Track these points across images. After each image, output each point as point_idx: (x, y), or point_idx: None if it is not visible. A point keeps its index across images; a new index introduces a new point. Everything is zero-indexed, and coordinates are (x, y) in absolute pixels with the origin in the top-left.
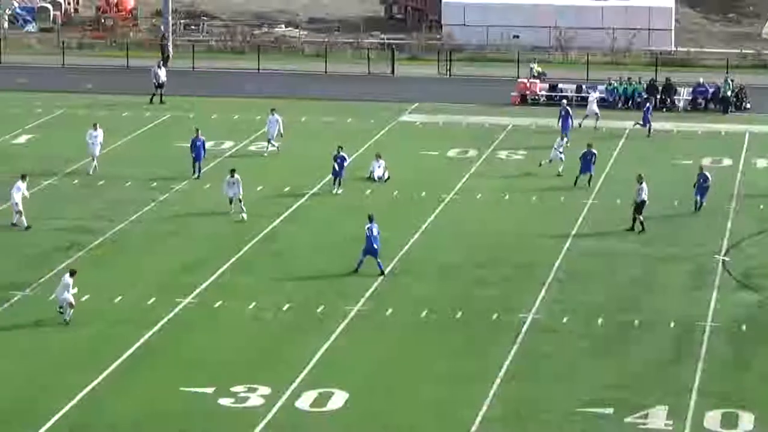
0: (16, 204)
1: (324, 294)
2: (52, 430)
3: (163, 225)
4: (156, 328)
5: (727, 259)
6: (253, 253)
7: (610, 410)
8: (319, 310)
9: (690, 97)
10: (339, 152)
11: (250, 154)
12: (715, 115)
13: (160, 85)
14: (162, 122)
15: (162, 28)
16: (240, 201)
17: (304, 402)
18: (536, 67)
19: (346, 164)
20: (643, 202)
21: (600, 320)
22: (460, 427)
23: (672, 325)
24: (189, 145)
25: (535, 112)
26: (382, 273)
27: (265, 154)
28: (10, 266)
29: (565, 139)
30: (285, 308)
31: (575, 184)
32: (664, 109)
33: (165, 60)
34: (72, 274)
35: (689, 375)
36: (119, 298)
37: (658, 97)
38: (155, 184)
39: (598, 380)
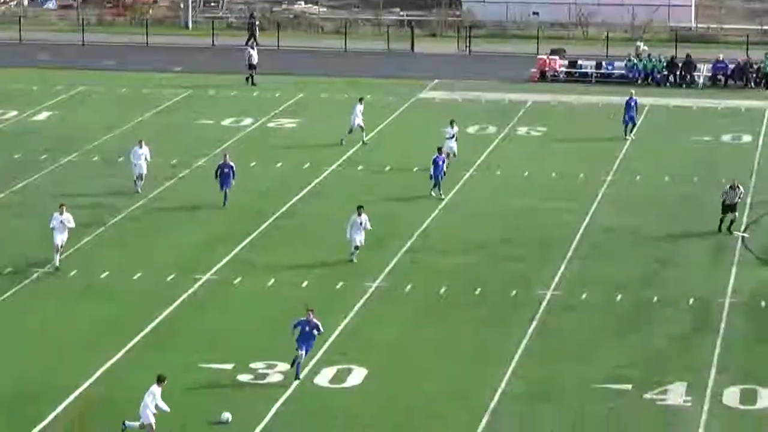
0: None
1: (343, 270)
2: (72, 405)
3: (183, 202)
4: (175, 305)
5: (746, 235)
6: (272, 230)
7: (628, 386)
8: (338, 287)
9: (710, 74)
10: (439, 154)
11: (269, 130)
12: (735, 92)
13: (252, 66)
14: (182, 99)
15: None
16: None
17: (323, 378)
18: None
19: (444, 166)
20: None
21: (619, 297)
22: (479, 404)
23: (691, 301)
24: (215, 170)
25: (554, 89)
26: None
27: (344, 142)
28: (31, 243)
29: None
30: (304, 285)
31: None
32: (684, 86)
33: (251, 40)
34: (160, 381)
35: (708, 351)
36: (138, 274)
37: (678, 73)
38: (175, 161)
39: (617, 357)
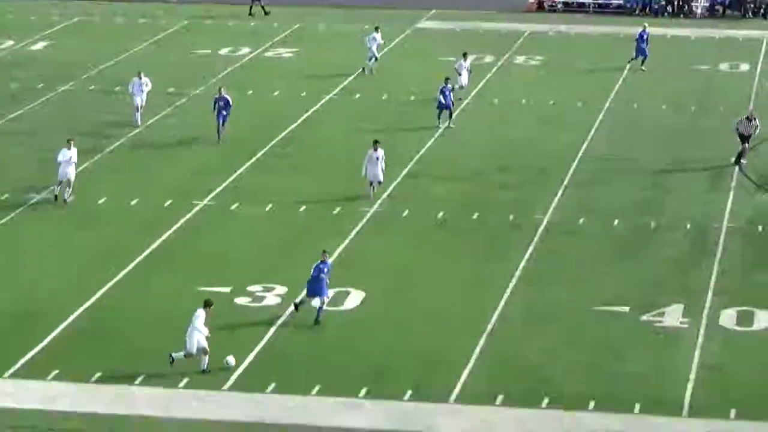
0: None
1: (340, 196)
2: (70, 328)
3: (180, 131)
4: (173, 230)
5: (743, 161)
6: (270, 156)
7: (625, 309)
8: (335, 212)
9: (707, 4)
10: (446, 84)
11: (267, 60)
12: (733, 21)
13: None
14: (179, 29)
15: None
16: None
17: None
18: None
19: (451, 96)
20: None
21: (616, 222)
22: (477, 327)
23: (688, 227)
24: (212, 104)
25: (552, 19)
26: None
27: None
28: (29, 171)
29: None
30: (301, 210)
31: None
32: (682, 16)
33: None
34: (207, 305)
35: (705, 275)
36: (136, 200)
37: (676, 3)
38: (172, 89)
39: (614, 281)
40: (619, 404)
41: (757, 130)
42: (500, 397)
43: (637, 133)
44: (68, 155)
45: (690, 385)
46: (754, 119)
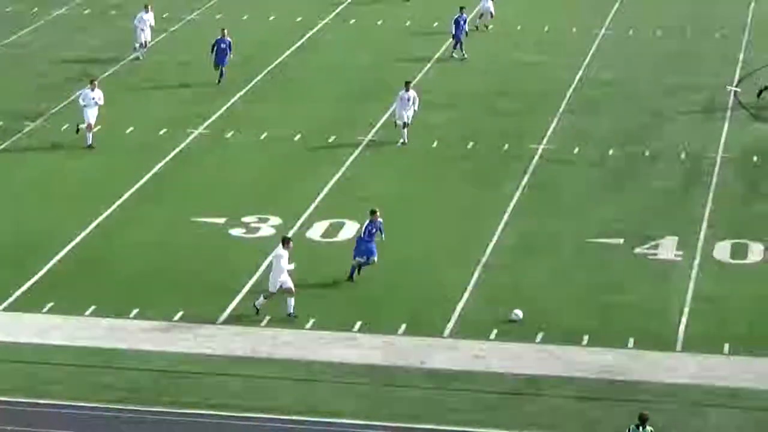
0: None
1: (335, 124)
2: (65, 260)
3: (175, 56)
4: (167, 159)
5: (738, 90)
6: (265, 83)
7: (620, 241)
8: (330, 140)
9: None
10: (461, 13)
11: None
12: None
13: None
14: None
15: None
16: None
17: (315, 232)
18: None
19: (465, 26)
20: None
21: (611, 151)
22: (471, 256)
23: (683, 156)
24: (211, 46)
25: None
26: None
27: None
28: (24, 97)
29: None
30: (296, 138)
31: None
32: None
33: None
34: (285, 243)
35: (699, 206)
36: (131, 129)
37: None
38: (167, 14)
39: (609, 211)
40: (613, 338)
41: None
42: (494, 332)
43: (633, 60)
44: (91, 96)
45: (684, 320)
46: None
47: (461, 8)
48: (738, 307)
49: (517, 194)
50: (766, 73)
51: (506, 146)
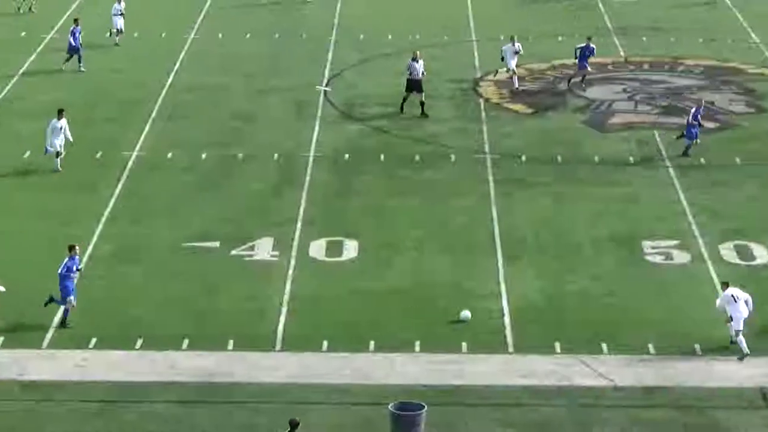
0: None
1: None
2: None
3: None
4: None
5: (328, 89)
6: None
7: (216, 243)
8: None
9: None
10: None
11: None
12: None
13: None
14: None
15: None
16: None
17: None
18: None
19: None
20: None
21: (204, 155)
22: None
23: (276, 157)
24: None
25: None
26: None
27: None
28: None
29: None
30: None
31: None
32: None
33: None
34: None
35: (293, 206)
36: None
37: None
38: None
39: (205, 214)
40: (212, 342)
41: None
42: (94, 340)
43: (223, 64)
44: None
45: (282, 319)
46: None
47: (75, 20)
48: (335, 304)
49: (112, 201)
50: (354, 72)
51: (99, 154)
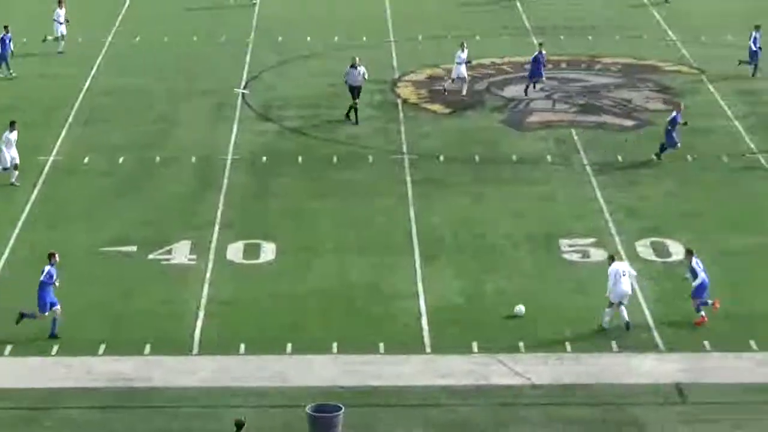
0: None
1: None
2: None
3: None
4: None
5: (246, 91)
6: None
7: (133, 248)
8: None
9: None
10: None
11: None
12: None
13: None
14: None
15: None
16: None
17: None
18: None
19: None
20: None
21: (122, 158)
22: None
23: (194, 160)
24: None
25: None
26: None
27: None
28: None
29: None
30: None
31: None
32: None
33: None
34: None
35: (211, 209)
36: None
37: None
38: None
39: (122, 218)
40: (130, 346)
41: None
42: (9, 348)
43: (141, 67)
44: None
45: (199, 323)
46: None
47: (6, 28)
48: (251, 307)
49: (28, 207)
50: (273, 74)
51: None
